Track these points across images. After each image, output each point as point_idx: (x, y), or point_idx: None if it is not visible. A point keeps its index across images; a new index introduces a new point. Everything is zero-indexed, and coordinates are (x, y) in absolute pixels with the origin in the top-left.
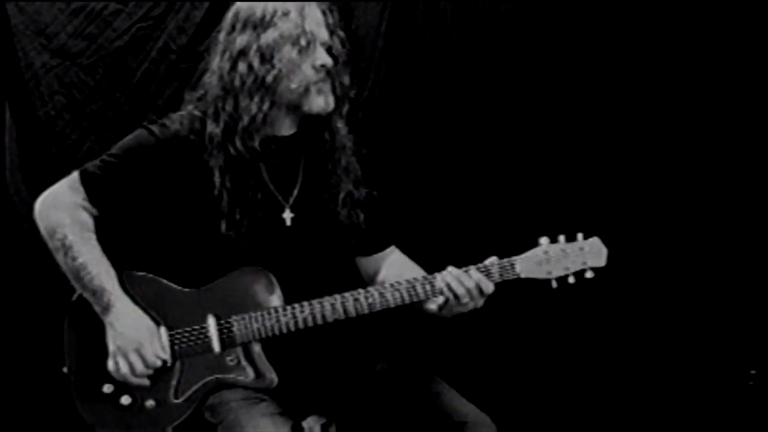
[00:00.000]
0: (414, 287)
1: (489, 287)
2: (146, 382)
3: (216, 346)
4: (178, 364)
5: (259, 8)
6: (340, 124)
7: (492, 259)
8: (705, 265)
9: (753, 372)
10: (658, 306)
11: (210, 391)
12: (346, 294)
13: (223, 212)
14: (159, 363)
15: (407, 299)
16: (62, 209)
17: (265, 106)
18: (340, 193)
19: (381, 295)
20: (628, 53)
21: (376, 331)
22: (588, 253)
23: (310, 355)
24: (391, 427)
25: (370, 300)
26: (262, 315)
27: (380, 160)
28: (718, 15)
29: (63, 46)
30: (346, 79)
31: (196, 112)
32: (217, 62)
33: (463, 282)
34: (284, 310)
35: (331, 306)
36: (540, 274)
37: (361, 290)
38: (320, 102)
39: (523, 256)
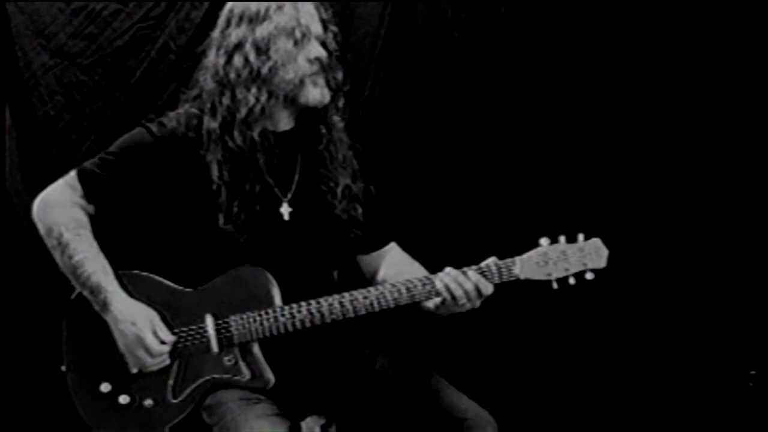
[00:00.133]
0: (412, 288)
1: (488, 288)
2: (165, 362)
3: (214, 346)
4: (176, 364)
5: (253, 4)
6: (337, 118)
7: (491, 260)
8: (705, 266)
9: (753, 373)
10: (659, 307)
11: (207, 391)
12: (344, 294)
13: (221, 206)
14: (166, 349)
15: (405, 300)
16: (59, 208)
17: (263, 98)
18: (337, 187)
19: (379, 295)
20: (629, 53)
21: (375, 329)
22: (588, 255)
23: (309, 355)
24: (392, 426)
25: (368, 300)
26: (261, 315)
27: (380, 159)
28: (718, 15)
29: (62, 46)
30: (340, 75)
31: (193, 110)
32: (212, 59)
33: (462, 284)
34: (282, 310)
35: (329, 306)
36: (540, 275)
37: (358, 290)
38: (316, 94)
39: (522, 257)
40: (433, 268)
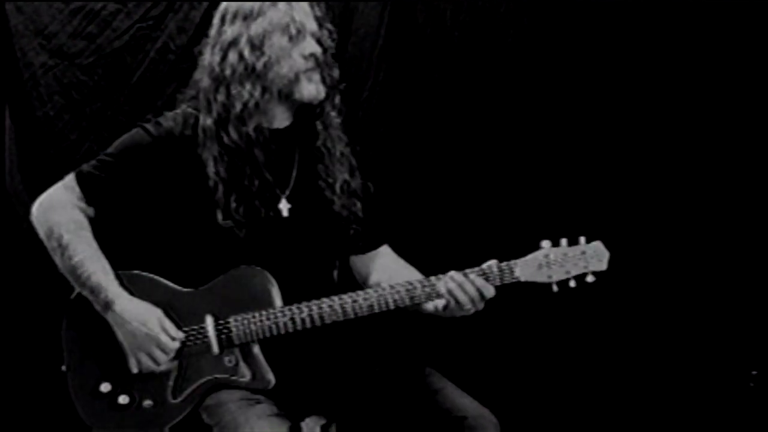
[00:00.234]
0: (413, 290)
1: (490, 292)
2: (173, 363)
3: (214, 346)
4: (176, 364)
5: (248, 3)
6: (333, 114)
7: (492, 262)
8: (706, 268)
9: (754, 373)
10: (660, 308)
11: (207, 392)
12: (345, 296)
13: (218, 202)
14: (177, 344)
15: (407, 302)
16: (58, 210)
17: (257, 93)
18: (336, 183)
19: (380, 297)
20: (629, 54)
21: (375, 329)
22: (590, 257)
23: (309, 356)
24: (392, 426)
25: (369, 302)
26: (261, 316)
27: (380, 159)
28: (718, 15)
29: (62, 46)
30: (336, 71)
31: (190, 110)
32: (208, 57)
33: (466, 290)
34: (282, 311)
35: (329, 307)
36: (540, 278)
37: (359, 292)
38: (311, 89)
39: (523, 259)
40: (435, 269)
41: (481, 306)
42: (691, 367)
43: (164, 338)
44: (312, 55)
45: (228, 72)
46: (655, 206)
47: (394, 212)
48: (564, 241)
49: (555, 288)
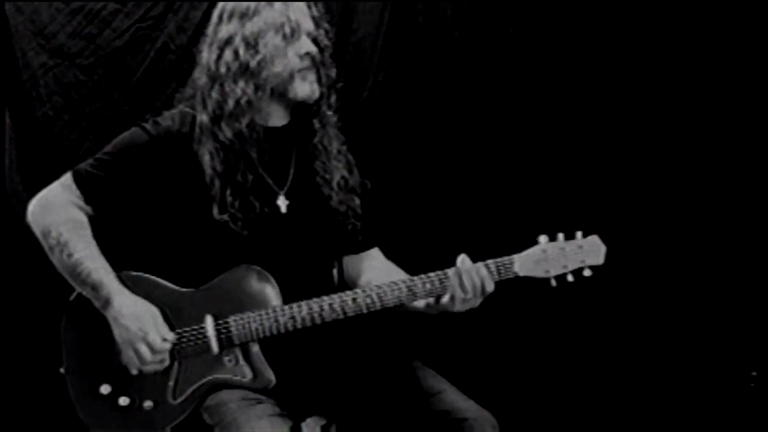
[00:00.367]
0: (413, 286)
1: (491, 286)
2: (162, 365)
3: (214, 346)
4: (176, 365)
5: (244, 2)
6: (330, 113)
7: (488, 261)
8: (705, 265)
9: (754, 373)
10: (658, 305)
11: (208, 392)
12: (345, 294)
13: (214, 196)
14: (167, 346)
15: (406, 299)
16: (55, 208)
17: (249, 90)
18: (333, 179)
19: (380, 294)
20: (629, 53)
21: (376, 329)
22: (587, 252)
23: (310, 355)
24: (392, 427)
25: (369, 300)
26: (260, 315)
27: (379, 159)
28: (718, 15)
29: (61, 46)
30: (333, 71)
31: (188, 109)
32: (204, 56)
33: (473, 276)
34: (282, 310)
35: (329, 306)
36: (538, 272)
37: (359, 290)
38: (305, 89)
39: (521, 254)
40: (433, 266)
41: (478, 302)
42: (691, 367)
43: (153, 336)
44: (307, 54)
45: (223, 70)
46: (652, 201)
47: (394, 210)
48: (561, 236)
49: (553, 283)
